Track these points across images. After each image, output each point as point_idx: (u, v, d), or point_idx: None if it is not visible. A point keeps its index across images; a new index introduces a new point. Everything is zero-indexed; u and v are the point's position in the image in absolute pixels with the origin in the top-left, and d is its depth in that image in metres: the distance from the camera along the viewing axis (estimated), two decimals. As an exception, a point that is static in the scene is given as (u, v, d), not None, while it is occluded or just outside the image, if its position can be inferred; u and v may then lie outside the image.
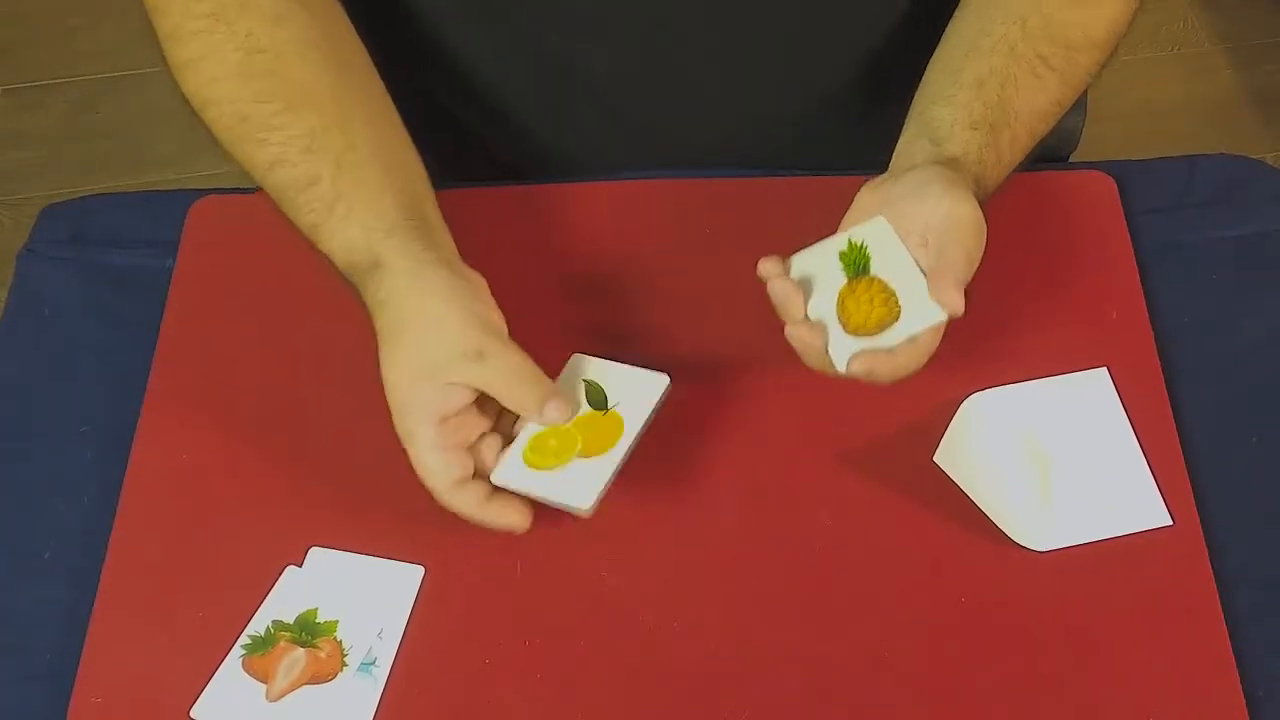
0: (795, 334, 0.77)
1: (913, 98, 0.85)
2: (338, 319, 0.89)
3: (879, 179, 0.81)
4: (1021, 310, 0.88)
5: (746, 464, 0.83)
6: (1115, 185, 0.94)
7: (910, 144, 0.82)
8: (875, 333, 0.77)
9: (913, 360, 0.77)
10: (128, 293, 0.92)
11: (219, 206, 0.96)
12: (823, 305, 0.78)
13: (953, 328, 0.86)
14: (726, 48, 0.93)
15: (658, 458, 0.83)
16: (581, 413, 0.80)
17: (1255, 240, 0.93)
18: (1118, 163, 0.96)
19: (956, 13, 0.87)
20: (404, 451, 0.77)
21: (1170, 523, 0.80)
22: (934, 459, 0.81)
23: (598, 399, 0.81)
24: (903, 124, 0.85)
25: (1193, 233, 0.93)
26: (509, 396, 0.77)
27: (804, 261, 0.79)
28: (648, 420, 0.80)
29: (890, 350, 0.76)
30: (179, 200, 0.96)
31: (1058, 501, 0.80)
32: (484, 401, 0.78)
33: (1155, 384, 0.85)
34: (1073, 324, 0.88)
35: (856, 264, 0.78)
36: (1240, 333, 0.88)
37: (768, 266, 0.78)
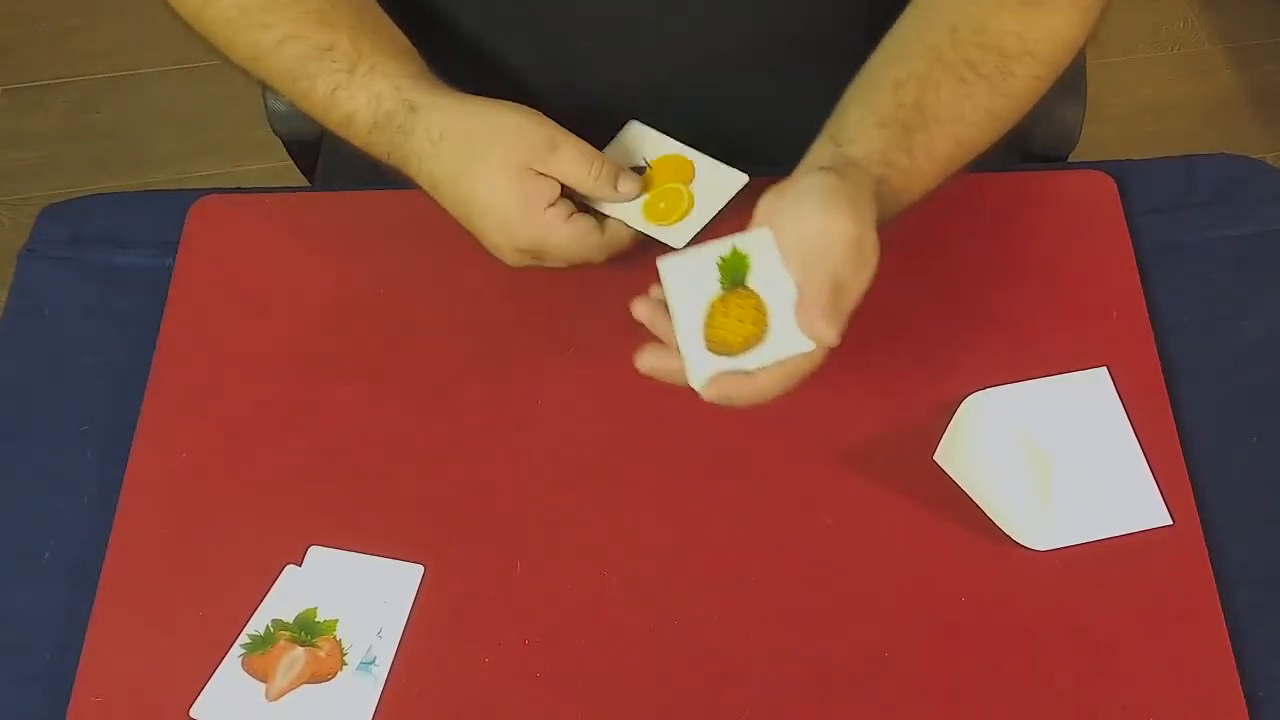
0: (645, 365, 0.76)
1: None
2: (338, 319, 0.90)
3: (781, 184, 0.78)
4: (1021, 310, 0.88)
5: (747, 464, 0.83)
6: (1115, 185, 0.94)
7: (817, 147, 0.80)
8: (739, 352, 0.74)
9: (775, 386, 0.74)
10: (128, 293, 0.92)
11: (219, 206, 0.96)
12: (693, 314, 0.75)
13: (952, 326, 0.86)
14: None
15: (658, 458, 0.83)
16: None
17: (1255, 240, 0.93)
18: (1118, 163, 0.96)
19: (897, 22, 0.85)
20: (526, 267, 0.83)
21: (1170, 523, 0.80)
22: (934, 459, 0.81)
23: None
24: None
25: (1193, 233, 0.93)
26: (583, 178, 0.81)
27: (685, 262, 0.77)
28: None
29: (749, 374, 0.74)
30: (179, 200, 0.96)
31: (1057, 501, 0.80)
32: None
33: (1155, 384, 0.85)
34: (1073, 324, 0.88)
35: (733, 276, 0.76)
36: (1240, 333, 0.89)
37: (640, 310, 0.78)
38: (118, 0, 2.14)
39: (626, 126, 0.89)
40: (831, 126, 0.81)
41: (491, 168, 0.80)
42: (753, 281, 0.75)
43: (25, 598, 0.81)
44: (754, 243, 0.76)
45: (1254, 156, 1.00)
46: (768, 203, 0.77)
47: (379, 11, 0.88)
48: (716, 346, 0.74)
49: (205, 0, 0.86)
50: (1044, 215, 0.93)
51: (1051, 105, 1.07)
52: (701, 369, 0.74)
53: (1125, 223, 0.92)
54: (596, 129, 0.97)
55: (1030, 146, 1.09)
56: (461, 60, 0.93)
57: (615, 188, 0.82)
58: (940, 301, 0.89)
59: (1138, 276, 0.90)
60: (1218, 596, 0.77)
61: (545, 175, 0.80)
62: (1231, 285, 0.91)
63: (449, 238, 0.86)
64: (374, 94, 0.82)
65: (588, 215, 0.82)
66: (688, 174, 0.87)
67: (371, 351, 0.88)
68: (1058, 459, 0.82)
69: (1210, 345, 0.88)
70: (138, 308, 0.91)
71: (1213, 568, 0.78)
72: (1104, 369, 0.85)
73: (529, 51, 0.97)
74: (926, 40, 0.83)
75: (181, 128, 1.99)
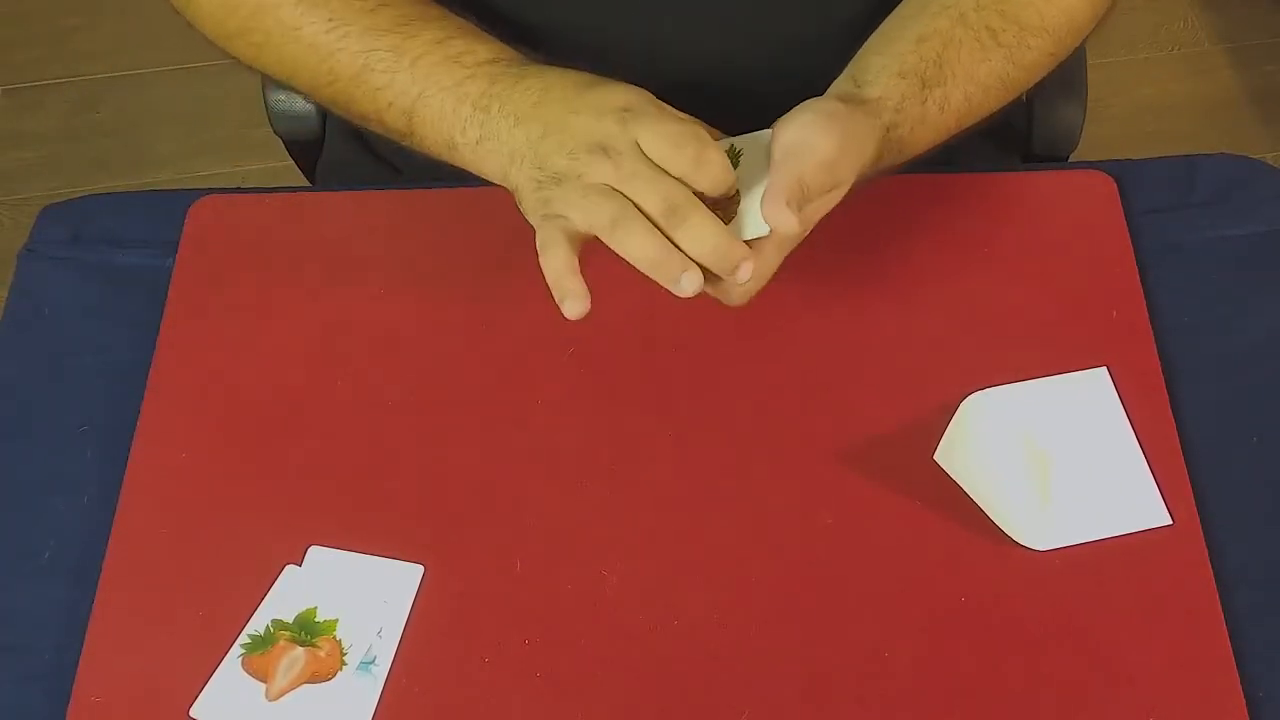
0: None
1: None
2: (338, 319, 0.90)
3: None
4: (1021, 310, 0.88)
5: (746, 464, 0.83)
6: (1115, 185, 0.94)
7: (836, 83, 0.82)
8: None
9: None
10: (128, 293, 0.92)
11: (219, 206, 0.96)
12: None
13: (952, 327, 0.86)
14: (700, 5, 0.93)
15: (658, 457, 0.83)
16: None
17: (1255, 240, 0.93)
18: (1118, 163, 0.96)
19: None
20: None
21: (1170, 522, 0.80)
22: (934, 458, 0.81)
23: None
24: None
25: (1193, 233, 0.93)
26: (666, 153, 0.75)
27: None
28: None
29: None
30: (179, 200, 0.96)
31: (1057, 501, 0.80)
32: None
33: (1155, 384, 0.85)
34: (1073, 324, 0.88)
35: None
36: (1240, 333, 0.88)
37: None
38: (118, 0, 2.14)
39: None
40: (853, 68, 0.83)
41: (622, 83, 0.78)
42: (740, 175, 0.77)
43: (25, 598, 0.81)
44: (749, 141, 0.79)
45: (1254, 156, 1.00)
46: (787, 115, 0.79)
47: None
48: None
49: None
50: (1044, 215, 0.93)
51: (1051, 105, 1.07)
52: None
53: (1125, 223, 0.92)
54: None
55: (1030, 146, 1.09)
56: None
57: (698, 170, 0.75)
58: (940, 301, 0.89)
59: (1138, 276, 0.90)
60: (1218, 596, 0.77)
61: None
62: (1231, 285, 0.91)
63: (449, 238, 0.86)
64: (499, 46, 0.81)
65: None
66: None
67: (371, 351, 0.88)
68: (1058, 459, 0.82)
69: (1210, 345, 0.88)
70: (138, 308, 0.91)
71: (1213, 568, 0.78)
72: (1104, 369, 0.85)
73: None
74: (951, 2, 0.84)
75: (181, 128, 1.99)
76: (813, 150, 0.76)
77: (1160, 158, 0.97)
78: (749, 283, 0.75)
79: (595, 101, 0.77)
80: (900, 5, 0.87)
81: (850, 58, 0.89)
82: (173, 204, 0.96)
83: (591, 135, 0.75)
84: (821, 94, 0.92)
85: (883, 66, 0.82)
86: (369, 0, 0.83)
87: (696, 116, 0.88)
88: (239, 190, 0.97)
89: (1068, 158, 1.09)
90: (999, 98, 0.86)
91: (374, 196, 0.95)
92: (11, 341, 0.92)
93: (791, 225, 0.73)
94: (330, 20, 0.82)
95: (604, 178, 0.74)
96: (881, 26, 0.86)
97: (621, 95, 0.77)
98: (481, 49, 0.81)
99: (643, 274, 0.75)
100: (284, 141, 1.15)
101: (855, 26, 0.95)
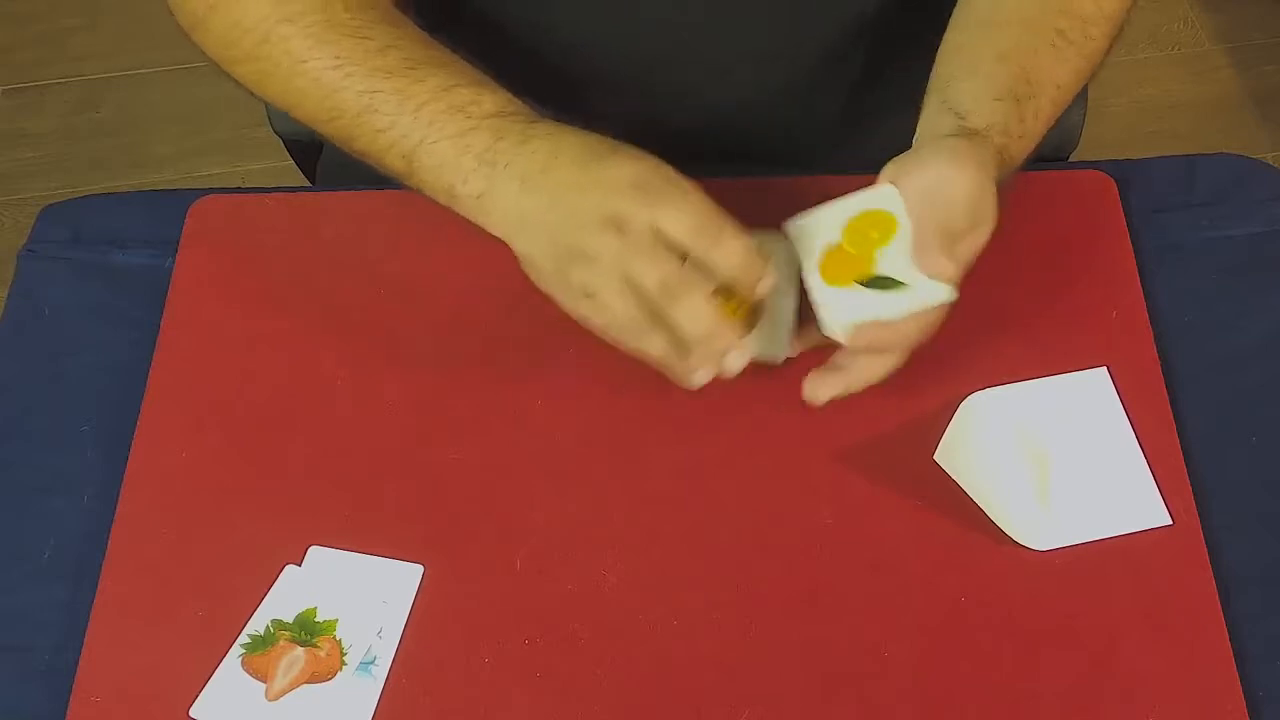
0: (823, 395, 0.80)
1: (896, 81, 0.85)
2: (338, 319, 0.90)
3: (904, 153, 0.80)
4: (1021, 310, 0.88)
5: (746, 464, 0.83)
6: (1115, 185, 0.94)
7: (933, 119, 0.82)
8: (866, 270, 0.77)
9: (915, 333, 0.78)
10: (128, 293, 0.92)
11: (219, 206, 0.96)
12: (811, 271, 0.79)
13: (952, 327, 0.86)
14: (713, 16, 0.93)
15: (658, 457, 0.83)
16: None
17: (1255, 240, 0.93)
18: (1118, 163, 0.96)
19: None
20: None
21: (1170, 523, 0.80)
22: (934, 458, 0.81)
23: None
24: (891, 109, 0.85)
25: (1193, 233, 0.93)
26: (701, 225, 0.73)
27: (811, 223, 0.80)
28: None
29: (891, 323, 0.77)
30: (179, 200, 0.96)
31: (1057, 501, 0.80)
32: None
33: (1155, 384, 0.85)
34: (1073, 324, 0.88)
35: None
36: (1240, 333, 0.88)
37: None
38: (118, 0, 2.14)
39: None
40: (942, 97, 0.82)
41: (633, 151, 0.76)
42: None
43: (25, 597, 0.81)
44: (878, 198, 0.79)
45: (1254, 156, 1.00)
46: (894, 164, 0.79)
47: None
48: (834, 274, 0.78)
49: (288, 16, 0.82)
50: (1044, 215, 0.93)
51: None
52: (840, 315, 0.77)
53: (1125, 223, 0.92)
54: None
55: (1030, 146, 1.09)
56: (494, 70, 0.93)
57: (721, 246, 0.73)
58: (940, 301, 0.89)
59: (1138, 276, 0.90)
60: (1218, 596, 0.77)
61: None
62: (1231, 285, 0.91)
63: (449, 238, 0.86)
64: (506, 98, 0.80)
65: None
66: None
67: (371, 351, 0.88)
68: (1058, 459, 0.82)
69: (1210, 345, 0.88)
70: (138, 308, 0.91)
71: (1213, 568, 0.78)
72: (1104, 369, 0.85)
73: (536, 65, 0.97)
74: (1015, 7, 0.85)
75: (181, 128, 1.99)
76: (952, 192, 0.77)
77: (1160, 158, 0.97)
78: (915, 337, 0.78)
79: (607, 177, 0.75)
80: (956, 24, 0.86)
81: (867, 55, 0.89)
82: (173, 204, 0.96)
83: (603, 211, 0.74)
84: (822, 106, 0.93)
85: (978, 92, 0.82)
86: (377, 40, 0.82)
87: (704, 131, 0.88)
88: (239, 190, 0.97)
89: (1068, 158, 1.09)
90: (1075, 92, 0.86)
91: (374, 196, 0.95)
92: (11, 341, 0.92)
93: (949, 271, 0.76)
94: (337, 58, 0.82)
95: (613, 254, 0.73)
96: (947, 49, 0.85)
97: (632, 169, 0.75)
98: (488, 99, 0.79)
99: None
100: (284, 141, 1.15)
101: (857, 26, 0.95)
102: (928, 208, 0.77)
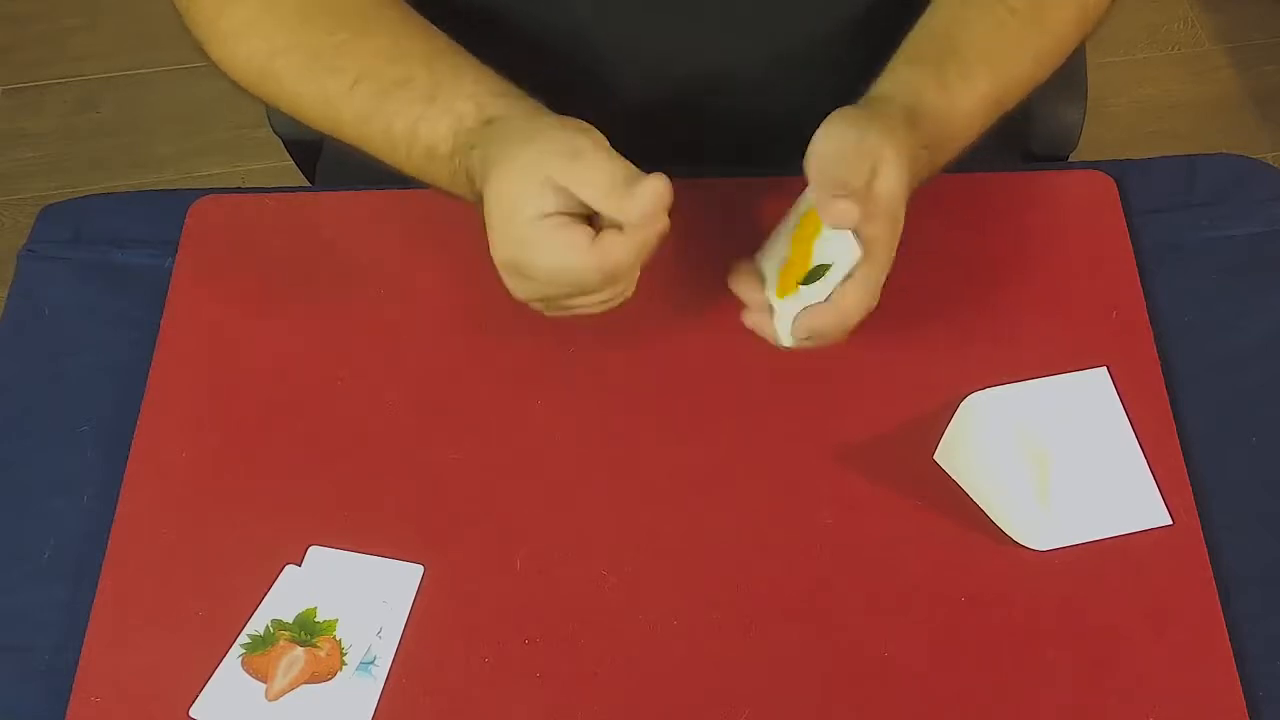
0: (750, 320, 0.79)
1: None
2: (338, 319, 0.90)
3: None
4: (1021, 310, 0.88)
5: (747, 464, 0.83)
6: (1115, 185, 0.94)
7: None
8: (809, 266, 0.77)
9: (857, 304, 0.76)
10: (128, 293, 0.92)
11: (219, 206, 0.96)
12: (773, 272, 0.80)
13: (952, 326, 0.86)
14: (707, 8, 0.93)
15: (658, 457, 0.83)
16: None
17: (1255, 240, 0.93)
18: (1118, 163, 0.96)
19: None
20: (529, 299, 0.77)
21: (1170, 523, 0.80)
22: (934, 458, 0.81)
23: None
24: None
25: (1193, 233, 0.93)
26: (601, 195, 0.72)
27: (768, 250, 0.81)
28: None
29: (828, 303, 0.76)
30: (179, 200, 0.96)
31: (1057, 501, 0.80)
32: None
33: (1155, 384, 0.85)
34: (1073, 324, 0.88)
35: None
36: (1240, 333, 0.88)
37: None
38: (118, 0, 2.14)
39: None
40: (875, 82, 0.82)
41: (504, 169, 0.74)
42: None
43: (25, 597, 0.81)
44: (807, 199, 0.79)
45: (1254, 156, 1.00)
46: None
47: (448, 38, 0.84)
48: (784, 286, 0.78)
49: (273, 53, 0.83)
50: (1044, 215, 0.93)
51: (1052, 105, 1.07)
52: (785, 324, 0.78)
53: (1125, 223, 0.92)
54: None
55: (1030, 146, 1.09)
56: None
57: (634, 196, 0.71)
58: (940, 301, 0.89)
59: (1138, 276, 0.90)
60: (1218, 596, 0.77)
61: (560, 188, 0.72)
62: (1231, 285, 0.91)
63: (449, 238, 0.86)
64: (456, 115, 0.77)
65: (584, 227, 0.72)
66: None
67: (371, 351, 0.88)
68: (1058, 459, 0.82)
69: (1210, 345, 0.88)
70: (138, 308, 0.91)
71: (1213, 568, 0.78)
72: (1104, 369, 0.85)
73: (540, 68, 0.97)
74: None
75: (181, 128, 1.99)
76: (832, 147, 0.76)
77: (1160, 158, 0.97)
78: (858, 310, 0.76)
79: (500, 232, 0.75)
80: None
81: (855, 58, 0.89)
82: (173, 204, 0.96)
83: (510, 287, 0.77)
84: (820, 106, 0.92)
85: (890, 66, 0.82)
86: (350, 72, 0.81)
87: (703, 134, 0.88)
88: (239, 190, 0.97)
89: (1068, 158, 1.09)
90: (1026, 66, 0.85)
91: (374, 196, 0.95)
92: (11, 341, 0.92)
93: (851, 213, 0.73)
94: (325, 99, 0.83)
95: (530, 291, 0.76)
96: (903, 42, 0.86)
97: (492, 242, 0.75)
98: (445, 133, 0.78)
99: (642, 283, 0.76)
100: (284, 141, 1.15)
101: (857, 25, 0.95)
102: (820, 169, 0.75)
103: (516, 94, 0.79)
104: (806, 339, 0.77)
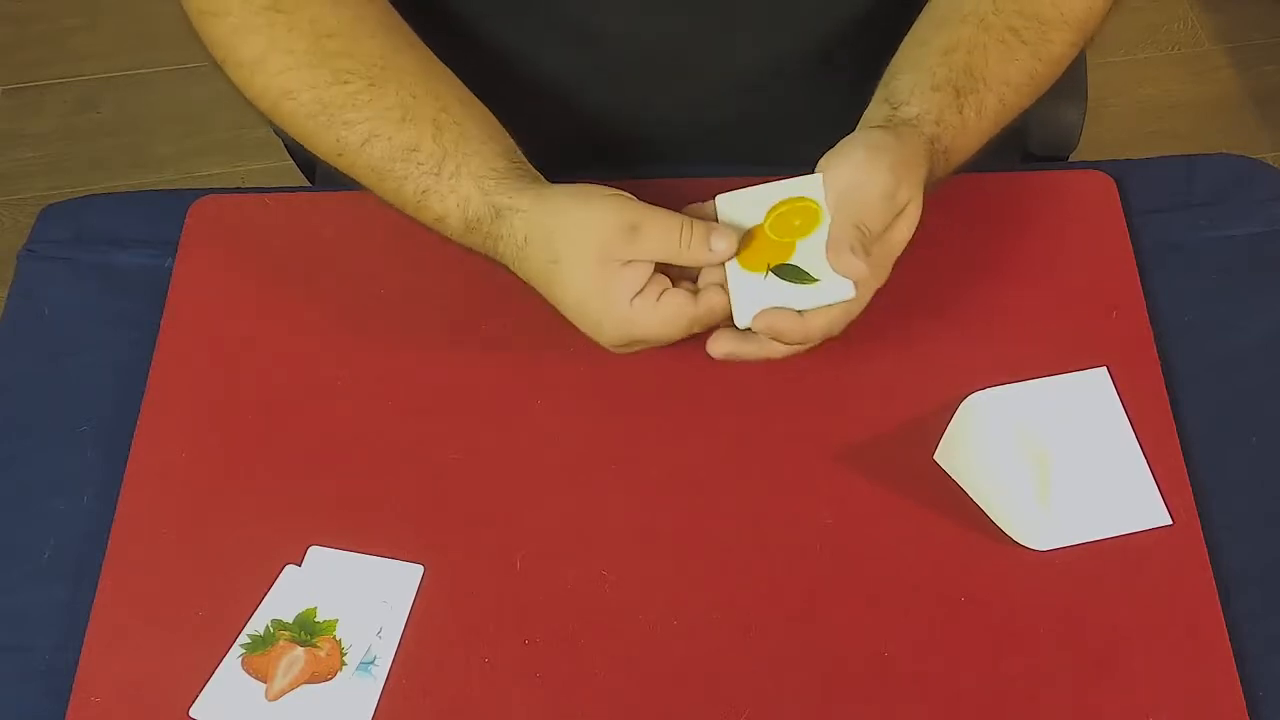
0: (720, 349, 0.80)
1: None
2: (338, 319, 0.90)
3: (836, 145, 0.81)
4: (1022, 310, 0.88)
5: (747, 464, 0.83)
6: (1115, 185, 0.94)
7: (870, 110, 0.83)
8: (785, 256, 0.78)
9: (822, 328, 0.78)
10: (128, 293, 0.92)
11: (219, 206, 0.96)
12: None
13: (952, 326, 0.86)
14: (716, 12, 0.93)
15: (658, 457, 0.83)
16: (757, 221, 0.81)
17: (1255, 240, 0.93)
18: (1118, 163, 0.96)
19: None
20: (611, 355, 0.81)
21: (1170, 523, 0.80)
22: (934, 458, 0.81)
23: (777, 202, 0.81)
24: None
25: (1193, 233, 0.93)
26: (674, 251, 0.78)
27: (739, 199, 0.81)
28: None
29: (799, 314, 0.77)
30: (179, 200, 0.96)
31: (1057, 501, 0.80)
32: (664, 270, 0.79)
33: (1155, 384, 0.85)
34: (1073, 324, 0.88)
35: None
36: (1240, 333, 0.88)
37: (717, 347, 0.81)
38: (118, 0, 2.14)
39: (717, 202, 0.83)
40: (884, 90, 0.84)
41: (569, 269, 0.78)
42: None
43: (25, 597, 0.81)
44: (805, 186, 0.80)
45: (1254, 156, 1.00)
46: (826, 155, 0.80)
47: (462, 93, 0.85)
48: (751, 259, 0.79)
49: (284, 94, 0.84)
50: (1044, 215, 0.93)
51: (1052, 105, 1.07)
52: (746, 301, 0.78)
53: (1125, 223, 0.92)
54: (620, 147, 0.98)
55: (1030, 146, 1.09)
56: (485, 75, 0.94)
57: (710, 248, 0.78)
58: (940, 301, 0.89)
59: (1138, 276, 0.90)
60: (1218, 596, 0.77)
61: (631, 262, 0.78)
62: (1231, 285, 0.91)
63: (449, 238, 0.86)
64: (461, 198, 0.81)
65: (683, 293, 0.78)
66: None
67: (371, 351, 0.88)
68: (1058, 459, 0.82)
69: (1210, 345, 0.88)
70: (138, 308, 0.91)
71: (1213, 568, 0.78)
72: (1104, 369, 0.85)
73: (559, 71, 0.97)
74: (969, 7, 0.85)
75: (181, 128, 1.99)
76: (867, 188, 0.77)
77: (1160, 158, 0.97)
78: (821, 333, 0.79)
79: (589, 336, 0.81)
80: (917, 24, 0.87)
81: (856, 56, 0.89)
82: (173, 204, 0.96)
83: (619, 352, 0.82)
84: (818, 106, 0.93)
85: (915, 83, 0.82)
86: (361, 129, 0.82)
87: (701, 134, 0.88)
88: (239, 190, 0.97)
89: (1068, 158, 1.09)
90: (1030, 94, 0.87)
91: (374, 196, 0.95)
92: (11, 341, 0.92)
93: (860, 270, 0.76)
94: (338, 150, 0.84)
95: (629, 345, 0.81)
96: (903, 47, 0.86)
97: (600, 333, 0.80)
98: (453, 217, 0.82)
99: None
100: (284, 141, 1.15)
101: (857, 26, 0.95)
102: (845, 204, 0.78)
103: (514, 170, 0.82)
104: (761, 331, 0.78)
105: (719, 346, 0.80)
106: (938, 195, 0.82)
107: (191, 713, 0.75)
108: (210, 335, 0.89)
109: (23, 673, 0.78)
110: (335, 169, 0.86)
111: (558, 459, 0.84)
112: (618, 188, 0.81)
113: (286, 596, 0.78)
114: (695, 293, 0.79)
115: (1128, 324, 0.88)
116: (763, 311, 0.77)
